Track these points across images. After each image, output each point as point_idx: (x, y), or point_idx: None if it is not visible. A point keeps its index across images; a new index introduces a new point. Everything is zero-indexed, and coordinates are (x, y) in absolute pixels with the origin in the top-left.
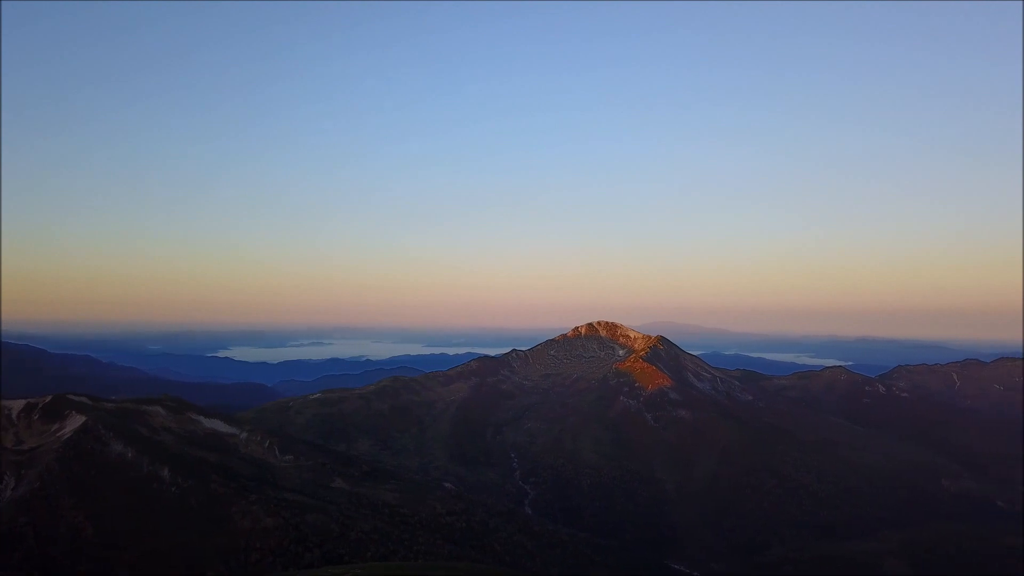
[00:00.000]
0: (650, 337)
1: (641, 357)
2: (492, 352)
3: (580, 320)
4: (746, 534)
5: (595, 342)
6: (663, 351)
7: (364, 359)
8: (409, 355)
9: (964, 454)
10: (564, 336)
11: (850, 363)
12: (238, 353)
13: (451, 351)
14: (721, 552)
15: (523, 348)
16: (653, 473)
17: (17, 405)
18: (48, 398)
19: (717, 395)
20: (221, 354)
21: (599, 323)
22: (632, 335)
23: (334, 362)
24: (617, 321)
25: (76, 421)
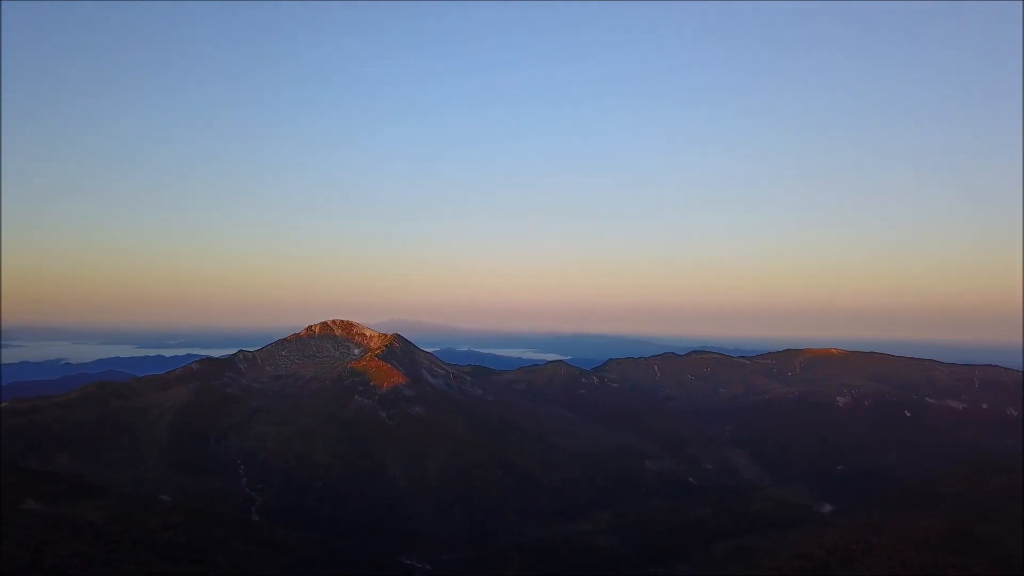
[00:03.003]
0: (386, 335)
1: (376, 356)
2: (216, 353)
3: (314, 319)
4: (476, 523)
5: (330, 341)
6: (399, 349)
7: (63, 363)
8: (119, 357)
9: (663, 437)
10: (297, 336)
11: (569, 357)
12: None
13: (168, 352)
14: (452, 543)
15: (251, 349)
16: (387, 471)
17: None
18: None
19: (450, 391)
20: None
21: (334, 322)
22: (368, 334)
23: (24, 366)
24: (353, 320)
25: None
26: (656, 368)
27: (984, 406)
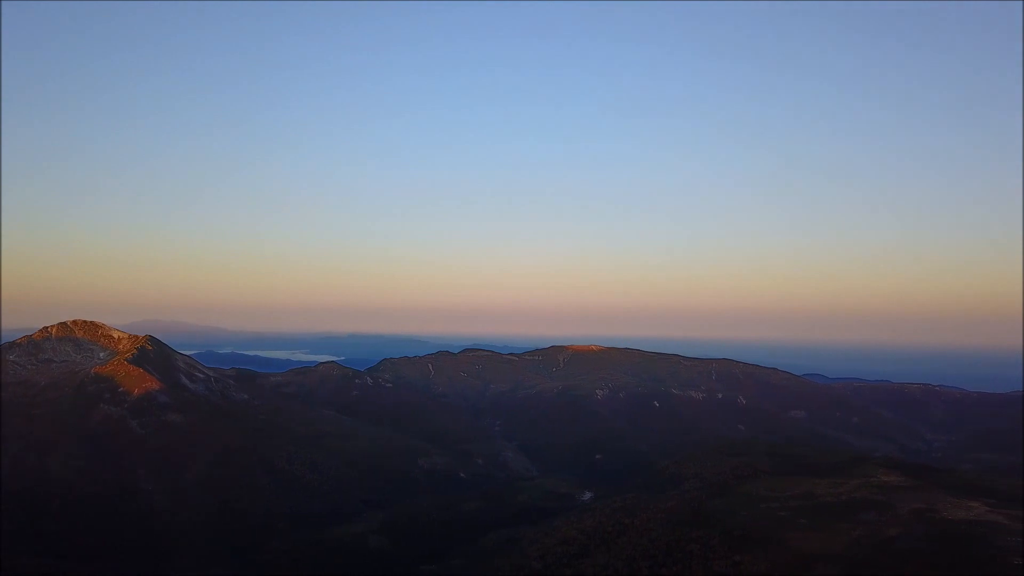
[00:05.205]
0: (138, 337)
1: (126, 359)
2: None
3: (50, 320)
4: (244, 534)
5: (70, 344)
6: (152, 352)
7: None
8: None
9: (436, 435)
10: (28, 338)
11: (342, 358)
12: None
13: None
14: (216, 556)
15: None
16: (139, 484)
17: None
18: None
19: (212, 395)
20: None
21: (74, 322)
22: (116, 335)
23: None
24: (99, 320)
25: None
26: (430, 366)
27: (719, 396)
